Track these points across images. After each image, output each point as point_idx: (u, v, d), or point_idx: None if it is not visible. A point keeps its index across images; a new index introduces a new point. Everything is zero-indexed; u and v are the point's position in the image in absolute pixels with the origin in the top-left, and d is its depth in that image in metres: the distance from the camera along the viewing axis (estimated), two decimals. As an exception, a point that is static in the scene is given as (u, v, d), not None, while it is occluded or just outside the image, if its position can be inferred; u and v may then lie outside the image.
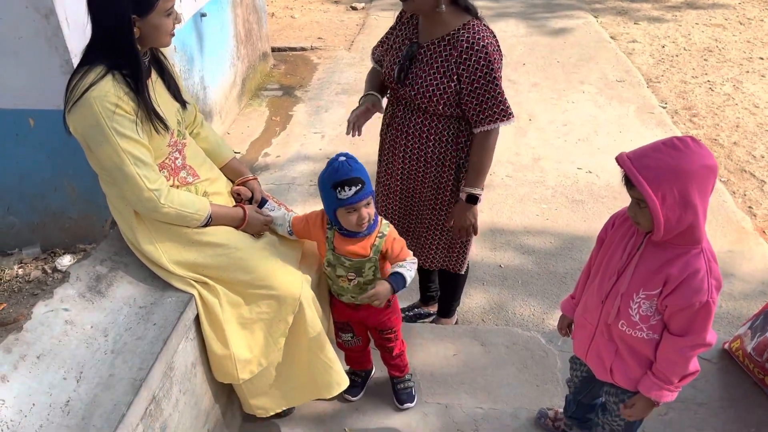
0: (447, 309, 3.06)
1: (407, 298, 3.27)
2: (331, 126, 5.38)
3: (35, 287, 3.04)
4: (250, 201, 2.29)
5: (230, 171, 2.36)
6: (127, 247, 2.12)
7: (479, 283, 3.49)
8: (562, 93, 5.89)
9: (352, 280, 2.17)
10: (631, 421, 1.96)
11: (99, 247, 2.15)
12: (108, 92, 1.78)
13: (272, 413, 2.29)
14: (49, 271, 3.16)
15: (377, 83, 2.57)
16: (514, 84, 6.03)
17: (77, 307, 1.89)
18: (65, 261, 3.18)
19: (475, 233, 2.51)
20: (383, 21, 8.07)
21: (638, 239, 1.72)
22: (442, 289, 3.01)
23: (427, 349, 2.80)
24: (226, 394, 2.34)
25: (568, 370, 2.24)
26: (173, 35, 1.92)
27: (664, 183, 1.50)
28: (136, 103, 1.84)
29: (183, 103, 2.12)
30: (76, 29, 2.71)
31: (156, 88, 1.99)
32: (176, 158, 2.05)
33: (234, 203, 2.26)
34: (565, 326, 2.11)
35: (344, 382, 2.26)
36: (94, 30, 1.82)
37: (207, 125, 2.34)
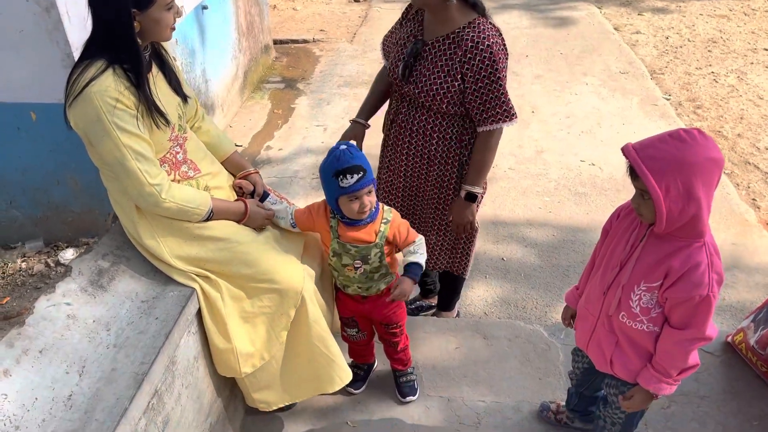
0: (447, 303, 3.06)
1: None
2: (334, 119, 5.37)
3: (38, 281, 3.06)
4: (252, 195, 2.29)
5: (232, 165, 2.36)
6: (128, 241, 2.12)
7: (481, 275, 3.49)
8: (565, 85, 5.87)
9: (358, 268, 2.17)
10: (631, 413, 1.96)
11: (101, 242, 2.15)
12: (109, 87, 1.77)
13: (275, 408, 2.30)
14: (52, 264, 3.18)
15: (380, 91, 2.57)
16: (517, 76, 6.01)
17: (79, 302, 1.89)
18: (68, 254, 3.20)
19: (474, 231, 2.51)
20: (385, 13, 8.04)
21: (641, 231, 1.71)
22: (443, 286, 3.01)
23: (429, 342, 2.80)
24: (229, 387, 2.34)
25: (570, 363, 2.24)
26: (174, 29, 1.92)
27: (668, 174, 1.49)
28: (136, 98, 1.84)
29: (184, 97, 2.11)
30: (77, 23, 2.70)
31: (157, 82, 1.98)
32: (177, 152, 2.05)
33: (236, 197, 2.25)
34: (569, 317, 2.12)
35: (347, 377, 2.27)
36: (95, 24, 1.81)
37: (208, 119, 2.34)
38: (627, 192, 3.96)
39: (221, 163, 2.32)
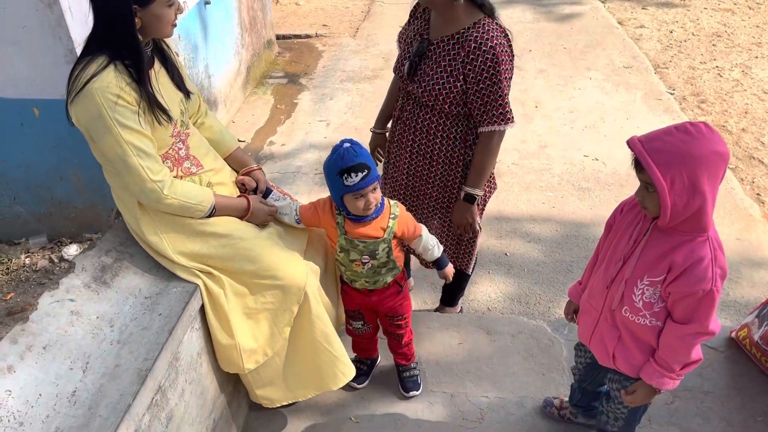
0: (451, 299, 3.06)
1: (416, 296, 3.28)
2: (336, 114, 5.36)
3: (42, 276, 3.07)
4: (255, 191, 2.28)
5: (235, 161, 2.36)
6: (131, 237, 2.12)
7: (485, 271, 3.49)
8: (569, 80, 5.85)
9: (366, 263, 2.17)
10: (633, 408, 1.96)
11: (104, 238, 2.15)
12: (110, 83, 1.77)
13: (278, 405, 2.30)
14: (56, 260, 3.18)
15: (394, 102, 2.58)
16: (520, 71, 5.98)
17: (83, 298, 1.90)
18: (71, 250, 3.20)
19: (474, 233, 2.51)
20: (388, 8, 8.02)
21: (645, 225, 1.71)
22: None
23: (432, 337, 2.80)
24: (232, 383, 2.35)
25: (573, 358, 2.24)
26: (175, 26, 1.91)
27: (673, 167, 1.48)
28: (138, 94, 1.83)
29: (187, 93, 2.11)
30: (80, 18, 2.70)
31: (159, 78, 1.98)
32: (180, 148, 2.04)
33: (238, 193, 2.25)
34: (571, 312, 2.11)
35: (350, 373, 2.27)
36: (96, 20, 1.81)
37: (211, 115, 2.33)
38: (630, 187, 3.95)
39: (225, 160, 2.32)
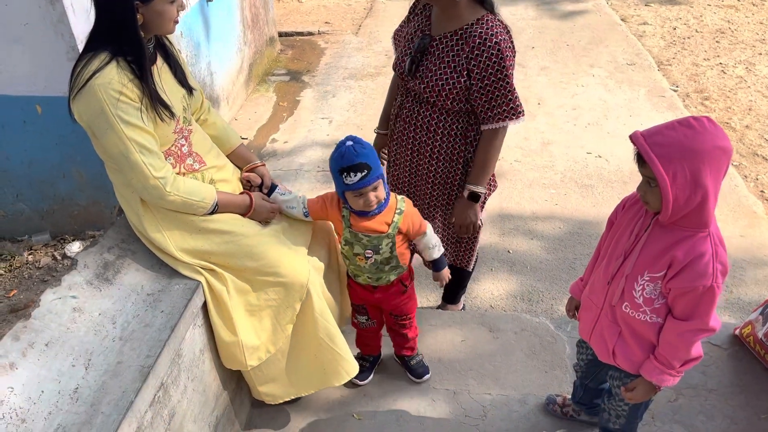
0: (453, 296, 3.05)
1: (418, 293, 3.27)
2: (339, 111, 5.35)
3: (45, 273, 3.07)
4: (260, 188, 2.28)
5: (238, 158, 2.35)
6: (134, 234, 2.12)
7: (487, 268, 3.48)
8: (572, 77, 5.83)
9: (369, 257, 2.17)
10: (634, 405, 1.95)
11: (106, 235, 2.15)
12: (112, 79, 1.77)
13: (281, 401, 2.30)
14: (59, 257, 3.19)
15: (394, 101, 2.57)
16: (523, 68, 5.97)
17: (85, 295, 1.90)
18: (74, 247, 3.20)
19: (477, 231, 2.51)
20: (391, 5, 8.00)
21: (646, 221, 1.70)
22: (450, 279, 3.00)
23: (435, 335, 2.80)
24: (235, 380, 2.35)
25: (576, 355, 2.23)
26: (177, 22, 1.91)
27: (675, 161, 1.47)
28: (140, 90, 1.83)
29: (189, 89, 2.11)
30: (82, 15, 2.70)
31: (162, 74, 1.98)
32: (182, 145, 2.04)
33: (241, 190, 2.25)
34: (573, 308, 2.11)
35: (353, 370, 2.26)
36: (98, 16, 1.81)
37: (214, 111, 2.33)
38: (633, 184, 3.94)
39: (227, 156, 2.32)
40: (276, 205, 2.22)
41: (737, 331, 2.71)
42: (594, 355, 2.01)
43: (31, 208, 3.32)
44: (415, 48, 2.26)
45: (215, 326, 2.08)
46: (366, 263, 2.19)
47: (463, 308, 3.13)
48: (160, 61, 1.99)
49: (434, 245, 2.28)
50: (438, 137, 2.35)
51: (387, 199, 2.12)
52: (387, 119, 2.64)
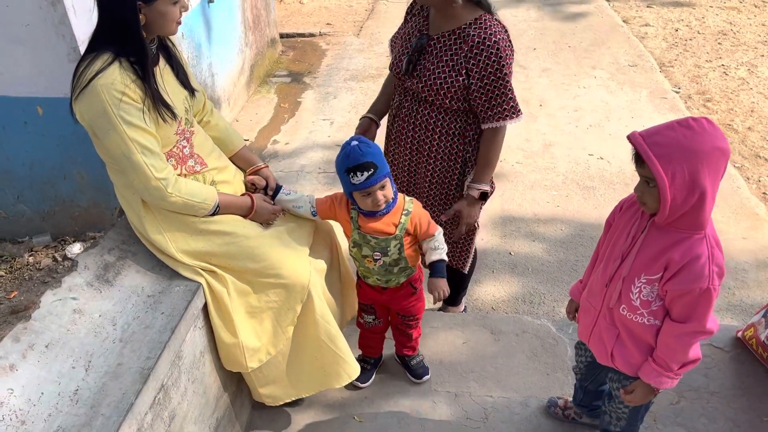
0: (454, 298, 3.04)
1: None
2: (340, 113, 5.35)
3: (46, 275, 3.07)
4: (265, 189, 2.27)
5: (241, 160, 2.35)
6: (134, 235, 2.11)
7: (489, 270, 3.47)
8: (573, 78, 5.83)
9: (377, 260, 2.17)
10: (634, 407, 1.94)
11: (107, 236, 2.15)
12: (115, 80, 1.76)
13: (282, 402, 2.29)
14: (60, 259, 3.18)
15: (387, 96, 2.56)
16: (524, 69, 5.97)
17: (85, 296, 1.89)
18: (75, 249, 3.19)
19: (473, 232, 2.51)
20: (392, 7, 8.00)
21: (642, 223, 1.70)
22: (449, 281, 2.98)
23: (436, 337, 2.79)
24: (235, 382, 2.34)
25: (575, 357, 2.22)
26: (180, 23, 1.91)
27: (675, 161, 1.47)
28: (143, 91, 1.83)
29: (191, 91, 2.10)
30: (83, 16, 2.70)
31: (164, 75, 1.98)
32: (184, 147, 2.04)
33: (243, 192, 2.24)
34: (573, 310, 2.11)
35: (354, 372, 2.26)
36: (100, 17, 1.80)
37: (217, 113, 2.33)
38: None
39: (230, 159, 2.31)
40: (278, 207, 2.22)
41: (739, 334, 2.70)
42: (593, 357, 2.01)
43: (31, 209, 3.32)
44: (413, 47, 2.26)
45: (216, 328, 2.08)
46: (375, 265, 2.19)
47: (465, 310, 3.12)
48: (162, 62, 1.99)
49: (437, 247, 2.22)
50: (437, 136, 2.34)
51: (395, 200, 2.12)
52: (377, 109, 2.61)
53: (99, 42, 1.82)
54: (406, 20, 2.42)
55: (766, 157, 4.51)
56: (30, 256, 3.21)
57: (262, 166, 2.35)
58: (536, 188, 4.21)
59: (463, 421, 2.41)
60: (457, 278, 2.93)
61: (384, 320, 2.48)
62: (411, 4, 2.39)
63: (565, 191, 4.17)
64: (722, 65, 6.04)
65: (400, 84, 2.41)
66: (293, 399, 2.31)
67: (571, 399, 2.38)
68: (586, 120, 5.08)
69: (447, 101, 2.24)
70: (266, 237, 2.12)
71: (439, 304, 3.14)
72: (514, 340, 2.77)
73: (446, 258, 2.22)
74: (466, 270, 2.77)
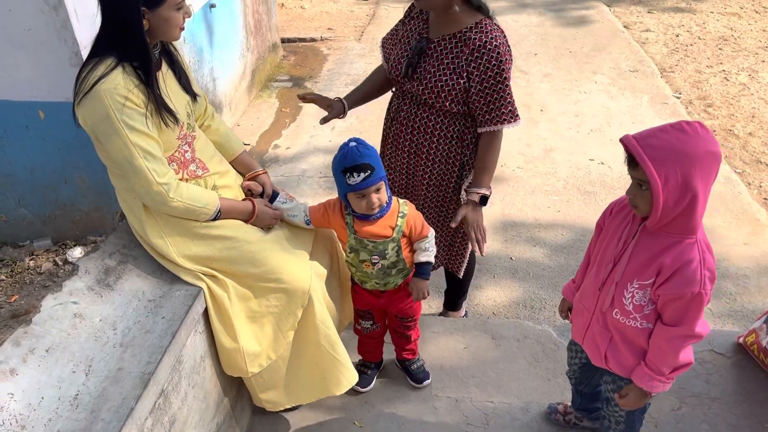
0: (454, 303, 3.04)
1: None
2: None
3: (46, 279, 3.06)
4: (261, 195, 2.28)
5: (240, 164, 2.35)
6: (135, 240, 2.11)
7: (490, 275, 3.47)
8: (574, 83, 5.83)
9: (375, 263, 2.17)
10: (630, 410, 1.94)
11: (108, 240, 2.15)
12: (118, 85, 1.77)
13: (281, 408, 2.29)
14: (60, 263, 3.18)
15: (372, 84, 2.57)
16: (525, 74, 5.98)
17: (86, 301, 1.89)
18: (76, 253, 3.20)
19: (468, 235, 2.51)
20: (394, 11, 8.02)
21: (633, 227, 1.71)
22: (449, 285, 3.00)
23: (437, 342, 2.79)
24: (236, 387, 2.34)
25: (567, 359, 2.22)
26: (183, 29, 1.91)
27: (668, 164, 1.48)
28: (146, 96, 1.83)
29: (193, 96, 2.11)
30: (85, 21, 2.70)
31: (167, 80, 1.98)
32: (186, 151, 2.04)
33: (243, 197, 2.24)
34: (566, 309, 2.12)
35: (353, 379, 2.25)
36: (104, 22, 1.81)
37: (218, 118, 2.33)
38: (637, 191, 3.93)
39: (230, 163, 2.31)
40: (279, 212, 2.22)
41: (741, 340, 2.69)
42: (587, 359, 2.02)
43: (33, 213, 3.32)
44: (413, 50, 2.27)
45: (216, 332, 2.07)
46: (373, 269, 2.19)
47: (465, 315, 3.12)
48: (164, 67, 1.99)
49: (426, 248, 2.23)
50: (435, 139, 2.35)
51: (389, 203, 2.12)
52: (355, 98, 2.60)
53: (102, 46, 1.82)
54: (403, 22, 2.42)
55: (767, 162, 4.51)
56: (31, 260, 3.21)
57: (261, 171, 2.35)
58: (537, 193, 4.21)
59: (463, 427, 2.41)
60: (456, 283, 2.93)
61: (382, 325, 2.48)
62: (410, 7, 2.40)
63: (566, 196, 4.17)
64: (723, 71, 6.05)
65: (399, 88, 2.41)
66: (293, 406, 2.31)
67: (570, 404, 2.38)
68: (587, 125, 5.08)
69: (447, 104, 2.25)
70: (267, 242, 2.12)
71: (440, 309, 3.15)
72: (515, 345, 2.77)
73: (433, 260, 2.25)
74: (461, 274, 2.76)
